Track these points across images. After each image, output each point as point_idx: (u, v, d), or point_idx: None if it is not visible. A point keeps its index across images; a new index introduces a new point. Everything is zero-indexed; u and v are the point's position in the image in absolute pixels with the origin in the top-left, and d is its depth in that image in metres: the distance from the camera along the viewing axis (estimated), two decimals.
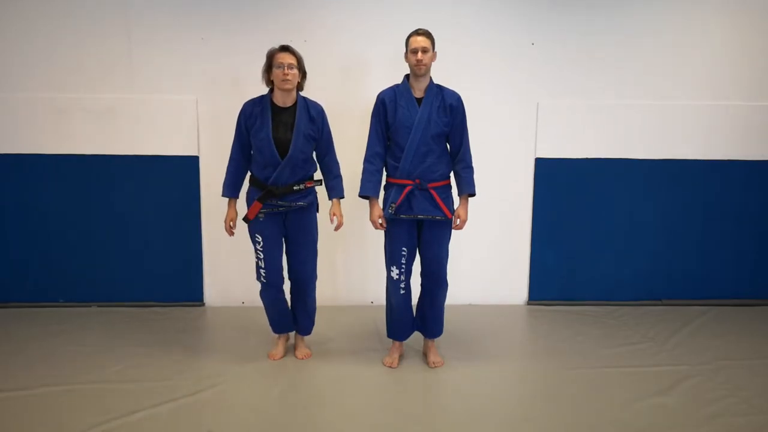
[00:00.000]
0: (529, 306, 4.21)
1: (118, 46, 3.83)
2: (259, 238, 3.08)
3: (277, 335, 3.36)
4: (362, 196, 3.08)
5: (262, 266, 3.10)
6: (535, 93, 4.01)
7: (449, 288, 3.19)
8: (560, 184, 4.11)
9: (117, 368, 3.12)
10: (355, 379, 3.05)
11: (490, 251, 4.14)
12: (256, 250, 3.11)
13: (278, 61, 2.94)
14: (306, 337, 3.38)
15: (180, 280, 4.04)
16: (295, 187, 3.04)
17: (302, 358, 3.27)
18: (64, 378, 3.00)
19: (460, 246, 3.94)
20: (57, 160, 3.91)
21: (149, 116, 3.87)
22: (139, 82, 3.87)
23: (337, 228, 3.17)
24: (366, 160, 3.11)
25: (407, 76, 3.13)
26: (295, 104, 3.05)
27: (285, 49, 2.98)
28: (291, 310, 3.32)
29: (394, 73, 3.94)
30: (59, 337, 3.53)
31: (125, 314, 3.91)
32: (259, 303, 4.07)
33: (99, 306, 4.03)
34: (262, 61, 3.06)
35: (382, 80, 3.95)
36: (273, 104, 3.03)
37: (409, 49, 3.07)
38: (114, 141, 3.90)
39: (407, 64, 3.09)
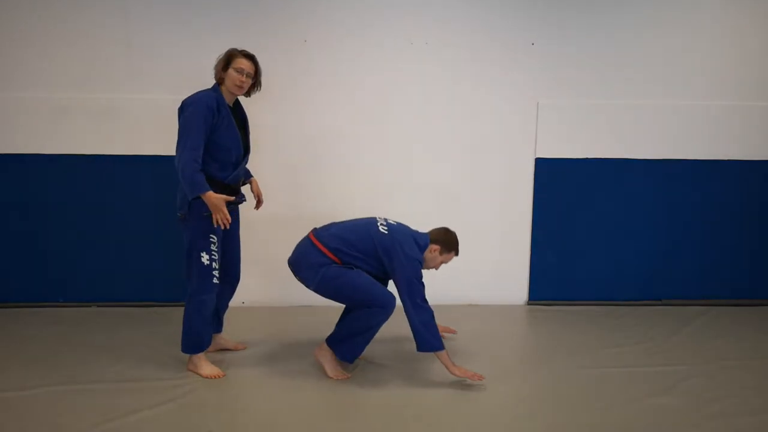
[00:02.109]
0: (529, 306, 4.21)
1: (118, 46, 3.83)
2: (214, 238, 3.00)
3: (203, 353, 3.10)
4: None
5: (216, 267, 3.01)
6: (535, 93, 4.02)
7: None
8: (560, 184, 4.11)
9: (117, 368, 3.12)
10: (355, 379, 3.05)
11: (490, 251, 4.14)
12: (209, 251, 2.98)
13: (239, 65, 2.97)
14: (307, 338, 3.37)
15: (180, 280, 4.02)
16: (241, 186, 3.17)
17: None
18: (64, 378, 3.00)
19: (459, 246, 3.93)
20: (57, 160, 3.91)
21: (149, 116, 3.87)
22: (139, 82, 3.87)
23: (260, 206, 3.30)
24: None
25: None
26: (235, 103, 3.11)
27: (249, 57, 3.01)
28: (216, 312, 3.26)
29: (394, 73, 3.96)
30: (59, 337, 3.53)
31: (125, 314, 3.91)
32: (260, 303, 4.11)
33: (99, 306, 4.03)
34: (263, 61, 3.08)
35: (382, 81, 3.96)
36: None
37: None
38: (114, 141, 3.90)
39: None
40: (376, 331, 3.05)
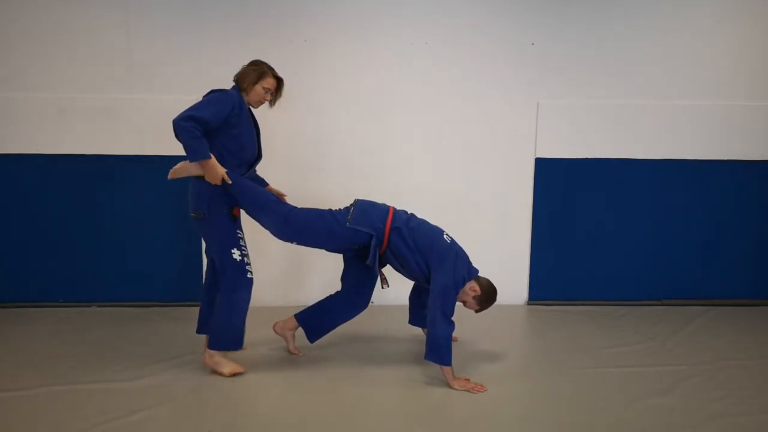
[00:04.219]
0: (529, 306, 4.21)
1: (118, 46, 3.83)
2: (241, 233, 3.06)
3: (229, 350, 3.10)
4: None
5: (248, 261, 3.05)
6: (535, 93, 4.01)
7: None
8: (560, 184, 4.11)
9: (117, 368, 3.12)
10: (353, 379, 3.05)
11: (490, 251, 4.14)
12: (239, 246, 3.02)
13: (268, 85, 3.07)
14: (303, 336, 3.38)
15: (180, 280, 4.04)
16: None
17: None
18: (64, 378, 3.00)
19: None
20: (57, 160, 3.91)
21: (149, 116, 3.87)
22: (139, 82, 3.87)
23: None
24: None
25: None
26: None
27: (278, 79, 3.12)
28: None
29: (394, 73, 3.96)
30: (59, 337, 3.53)
31: (125, 314, 3.91)
32: (260, 303, 4.06)
33: (99, 306, 4.03)
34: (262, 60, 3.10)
35: (381, 81, 3.96)
36: None
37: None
38: (114, 141, 3.90)
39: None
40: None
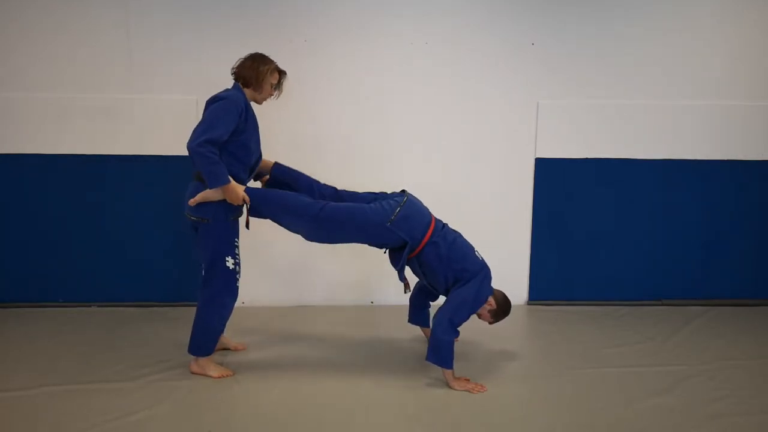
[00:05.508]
0: (529, 306, 4.21)
1: (118, 46, 3.83)
2: (238, 241, 3.01)
3: (210, 354, 3.08)
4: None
5: (239, 270, 2.99)
6: (535, 93, 4.01)
7: None
8: (560, 184, 4.11)
9: (117, 368, 3.12)
10: (354, 379, 3.06)
11: (490, 251, 4.12)
12: (234, 255, 2.96)
13: (273, 81, 3.05)
14: (308, 338, 3.38)
15: (180, 280, 4.04)
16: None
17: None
18: (64, 378, 3.00)
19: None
20: (57, 160, 3.91)
21: (149, 116, 3.87)
22: (139, 82, 3.86)
23: None
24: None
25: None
26: None
27: (281, 72, 3.09)
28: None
29: (394, 73, 3.96)
30: (59, 337, 3.53)
31: (125, 314, 3.91)
32: (260, 303, 4.11)
33: (99, 306, 4.03)
34: None
35: (381, 81, 3.96)
36: None
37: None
38: (114, 141, 3.90)
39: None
40: None
